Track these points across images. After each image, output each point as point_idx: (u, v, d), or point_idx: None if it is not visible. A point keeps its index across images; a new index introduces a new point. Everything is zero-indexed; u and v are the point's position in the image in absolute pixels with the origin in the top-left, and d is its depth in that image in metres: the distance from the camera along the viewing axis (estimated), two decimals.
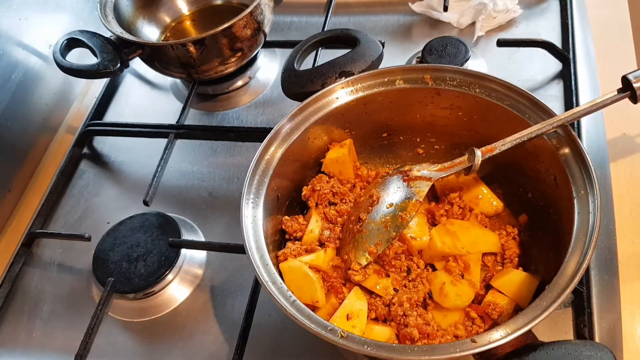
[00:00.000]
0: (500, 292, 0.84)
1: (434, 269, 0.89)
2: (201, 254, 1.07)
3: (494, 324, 0.82)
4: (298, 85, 0.99)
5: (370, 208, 0.89)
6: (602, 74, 1.16)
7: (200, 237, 1.09)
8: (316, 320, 0.71)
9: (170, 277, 1.03)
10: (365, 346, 0.68)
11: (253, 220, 0.83)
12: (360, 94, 0.94)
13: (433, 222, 0.94)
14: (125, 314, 1.02)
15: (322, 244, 0.91)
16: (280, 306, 0.72)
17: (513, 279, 0.84)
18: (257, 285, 0.97)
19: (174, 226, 1.07)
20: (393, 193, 0.89)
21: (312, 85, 0.97)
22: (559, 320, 0.88)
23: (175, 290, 1.03)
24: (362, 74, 0.94)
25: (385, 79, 0.93)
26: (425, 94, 0.93)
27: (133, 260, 1.04)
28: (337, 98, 0.94)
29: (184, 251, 1.05)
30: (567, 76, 1.15)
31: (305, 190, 0.96)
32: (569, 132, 0.81)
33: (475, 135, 0.94)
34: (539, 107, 0.85)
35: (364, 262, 0.85)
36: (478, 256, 0.88)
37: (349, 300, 0.83)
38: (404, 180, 0.89)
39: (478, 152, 0.84)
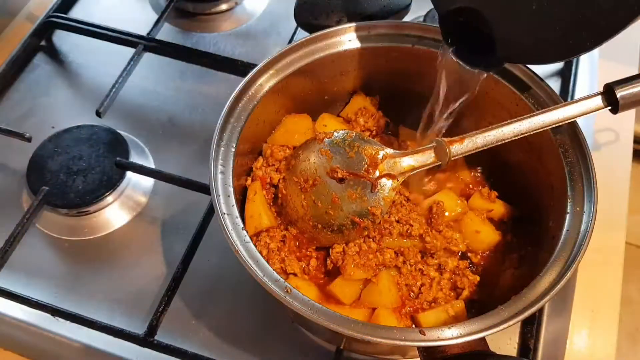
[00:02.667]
0: None
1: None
2: (148, 182, 1.00)
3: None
4: (312, 15, 0.91)
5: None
6: (602, 77, 1.12)
7: (151, 164, 1.02)
8: (264, 267, 0.67)
9: (110, 199, 0.96)
10: (309, 309, 0.63)
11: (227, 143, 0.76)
12: (375, 43, 0.85)
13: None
14: (54, 229, 0.96)
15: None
16: (228, 237, 0.68)
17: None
18: (202, 226, 0.91)
19: (124, 146, 1.00)
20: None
21: (326, 19, 0.90)
22: None
23: (113, 214, 0.97)
24: (382, 22, 0.85)
25: (405, 33, 0.85)
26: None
27: (72, 174, 0.96)
28: (350, 40, 0.85)
29: (129, 174, 0.98)
30: (566, 75, 1.10)
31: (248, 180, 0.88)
32: (580, 139, 0.76)
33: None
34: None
35: None
36: None
37: None
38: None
39: (450, 150, 0.76)
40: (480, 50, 0.71)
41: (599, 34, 0.60)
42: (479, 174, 0.92)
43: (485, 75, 0.75)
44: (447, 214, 0.83)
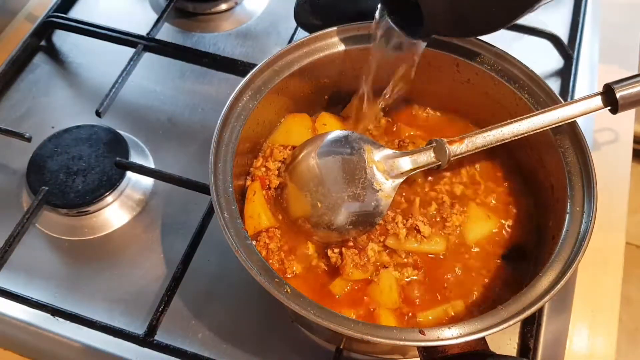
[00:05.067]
0: None
1: None
2: (148, 181, 1.00)
3: None
4: (312, 15, 0.90)
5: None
6: (602, 77, 1.12)
7: (150, 163, 1.02)
8: (264, 267, 0.67)
9: (109, 199, 0.95)
10: (309, 309, 0.63)
11: (226, 143, 0.76)
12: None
13: None
14: (54, 229, 0.95)
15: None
16: (228, 237, 0.68)
17: None
18: (202, 226, 0.91)
19: (124, 146, 0.99)
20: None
21: (327, 19, 0.88)
22: None
23: (113, 214, 0.96)
24: None
25: None
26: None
27: (72, 174, 0.95)
28: (350, 40, 0.85)
29: (129, 174, 0.98)
30: (566, 75, 1.10)
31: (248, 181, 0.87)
32: (580, 138, 0.76)
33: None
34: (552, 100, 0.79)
35: None
36: None
37: None
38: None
39: (449, 150, 0.77)
40: (414, 23, 0.74)
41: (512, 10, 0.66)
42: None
43: (420, 49, 0.79)
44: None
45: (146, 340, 0.83)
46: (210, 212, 0.91)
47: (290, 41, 1.13)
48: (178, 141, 1.05)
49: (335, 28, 0.84)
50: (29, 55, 1.16)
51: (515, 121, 0.75)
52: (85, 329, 0.84)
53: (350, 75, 0.90)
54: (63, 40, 1.20)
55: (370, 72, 0.84)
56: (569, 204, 0.72)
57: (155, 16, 1.19)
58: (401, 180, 0.78)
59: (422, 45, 0.78)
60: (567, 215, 0.71)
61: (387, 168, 0.78)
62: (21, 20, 1.23)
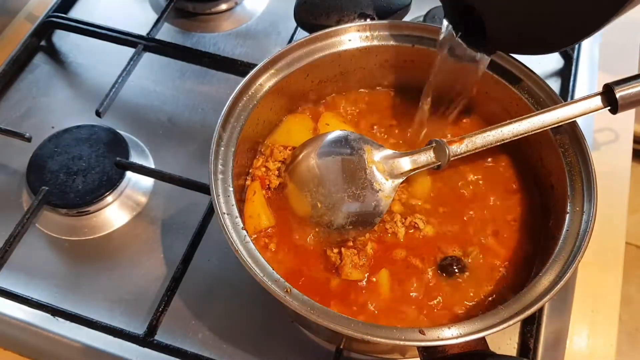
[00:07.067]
0: None
1: None
2: (148, 181, 1.00)
3: None
4: (312, 15, 0.91)
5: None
6: (602, 77, 1.12)
7: (151, 164, 1.02)
8: (264, 267, 0.67)
9: (109, 199, 0.95)
10: (309, 309, 0.63)
11: (226, 143, 0.76)
12: (375, 42, 0.85)
13: None
14: (54, 229, 0.95)
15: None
16: (228, 237, 0.68)
17: None
18: (202, 226, 0.91)
19: (124, 146, 0.99)
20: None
21: (327, 19, 0.90)
22: None
23: (113, 214, 0.96)
24: (382, 22, 0.85)
25: (405, 33, 0.85)
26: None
27: (72, 174, 0.95)
28: (350, 40, 0.85)
29: (129, 174, 0.98)
30: (566, 75, 1.10)
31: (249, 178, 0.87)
32: (580, 138, 0.76)
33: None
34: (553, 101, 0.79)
35: None
36: None
37: None
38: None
39: (449, 150, 0.77)
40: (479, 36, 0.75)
41: (578, 30, 0.66)
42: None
43: (485, 61, 0.78)
44: None
45: (146, 340, 0.83)
46: (210, 212, 0.92)
47: (290, 41, 1.13)
48: (178, 141, 1.05)
49: (335, 28, 0.84)
50: (29, 55, 1.16)
51: (515, 121, 0.75)
52: (85, 329, 0.84)
53: (350, 76, 0.90)
54: (63, 40, 1.20)
55: (434, 84, 0.84)
56: (569, 204, 0.72)
57: (155, 16, 1.19)
58: (401, 180, 0.78)
59: (487, 58, 0.78)
60: (567, 215, 0.71)
61: (387, 168, 0.78)
62: (21, 20, 1.23)
